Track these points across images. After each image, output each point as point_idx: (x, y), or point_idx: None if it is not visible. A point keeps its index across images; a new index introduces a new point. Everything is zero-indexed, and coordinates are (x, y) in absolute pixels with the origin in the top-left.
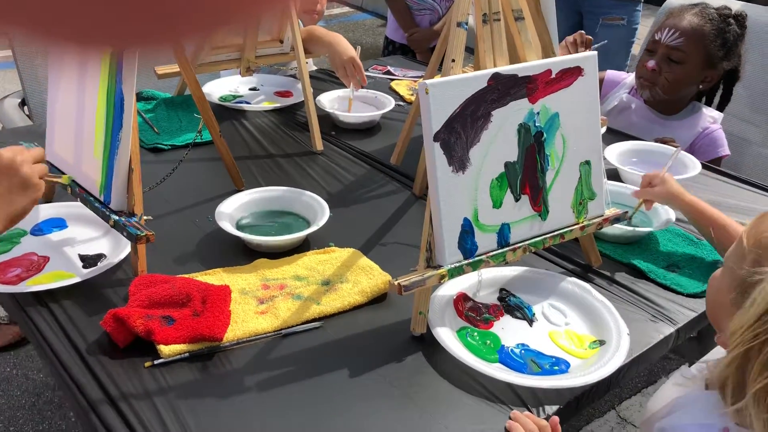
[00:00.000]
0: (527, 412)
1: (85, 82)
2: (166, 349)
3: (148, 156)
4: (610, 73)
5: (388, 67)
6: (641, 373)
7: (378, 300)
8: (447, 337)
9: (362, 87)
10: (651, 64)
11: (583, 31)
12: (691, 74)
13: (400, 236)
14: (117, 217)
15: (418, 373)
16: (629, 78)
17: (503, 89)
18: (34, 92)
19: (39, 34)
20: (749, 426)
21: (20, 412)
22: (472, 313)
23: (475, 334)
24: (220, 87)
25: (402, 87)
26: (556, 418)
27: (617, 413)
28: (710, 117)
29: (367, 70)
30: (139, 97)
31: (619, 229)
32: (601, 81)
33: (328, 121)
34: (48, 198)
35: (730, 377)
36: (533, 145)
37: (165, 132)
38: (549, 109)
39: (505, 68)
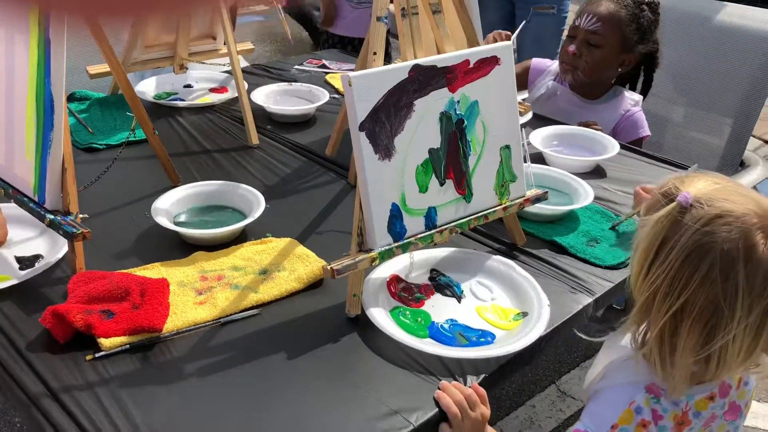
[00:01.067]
0: (455, 382)
1: (13, 85)
2: (107, 342)
3: (84, 156)
4: (536, 61)
5: (323, 61)
6: (571, 340)
7: (314, 286)
8: (380, 316)
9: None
10: (572, 48)
11: (501, 31)
12: (609, 57)
13: (335, 224)
14: (52, 216)
15: (354, 352)
16: (554, 65)
17: (424, 80)
18: None
19: None
20: (651, 363)
21: None
22: (405, 293)
23: (407, 312)
24: (154, 85)
25: (337, 80)
26: (475, 383)
27: (557, 387)
28: (631, 100)
29: (301, 64)
30: (72, 98)
31: (542, 208)
32: (528, 69)
33: (263, 115)
34: None
35: (636, 324)
36: (455, 131)
37: (99, 132)
38: (468, 97)
39: (425, 59)
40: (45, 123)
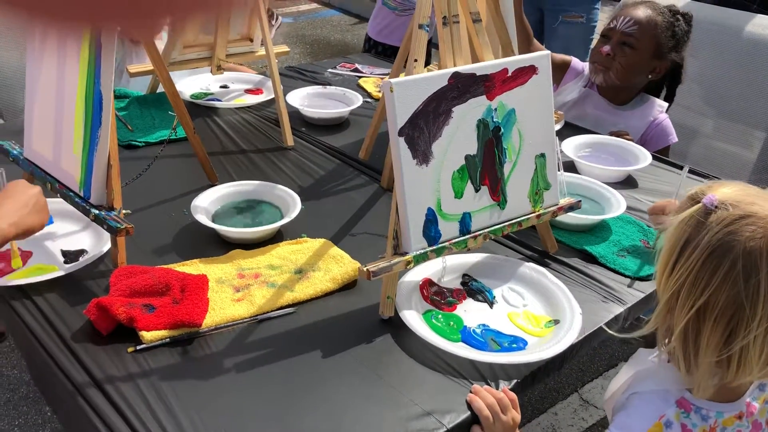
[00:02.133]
0: (487, 386)
1: (63, 81)
2: (148, 335)
3: (123, 153)
4: (575, 62)
5: (356, 65)
6: (595, 350)
7: (348, 287)
8: (413, 319)
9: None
10: (606, 48)
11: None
12: (642, 62)
13: (368, 227)
14: (97, 211)
15: (386, 353)
16: (587, 70)
17: (463, 87)
18: (2, 91)
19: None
20: (675, 362)
21: None
22: (437, 297)
23: (440, 316)
24: (192, 85)
25: (369, 84)
26: (505, 387)
27: (580, 396)
28: (659, 106)
29: (335, 67)
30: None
31: (574, 217)
32: (567, 65)
33: (298, 117)
34: None
35: (661, 324)
36: (491, 139)
37: (138, 129)
38: (506, 105)
39: (465, 67)
40: (93, 120)
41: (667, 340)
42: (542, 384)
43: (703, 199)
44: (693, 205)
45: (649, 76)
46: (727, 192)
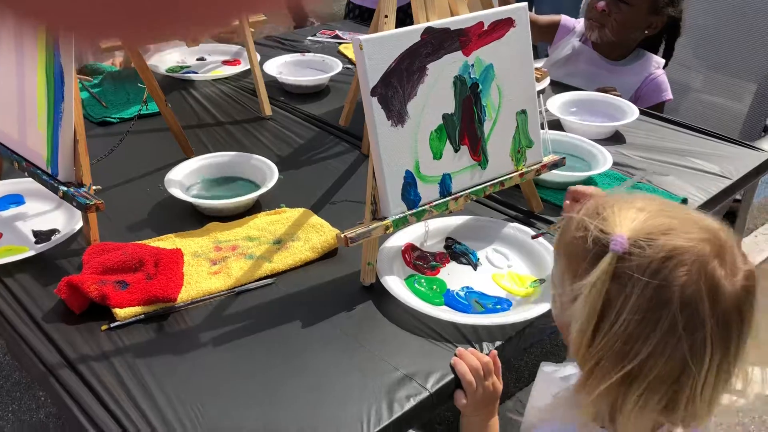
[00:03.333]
0: (471, 349)
1: (23, 55)
2: (122, 312)
3: (97, 130)
4: (565, 19)
5: (337, 32)
6: None
7: (329, 256)
8: (395, 284)
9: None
10: (601, 4)
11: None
12: (638, 17)
13: (349, 194)
14: (66, 188)
15: (368, 320)
16: (579, 25)
17: (437, 43)
18: None
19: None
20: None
21: None
22: (420, 262)
23: (422, 280)
24: (167, 59)
25: (350, 50)
26: (494, 351)
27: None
28: (655, 63)
29: (315, 35)
30: (83, 71)
31: (559, 174)
32: (556, 25)
33: (276, 86)
34: None
35: (586, 391)
36: (469, 96)
37: (113, 105)
38: (483, 60)
39: (438, 22)
40: (56, 94)
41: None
42: (530, 348)
43: (611, 245)
44: (597, 253)
45: (646, 32)
46: (631, 224)
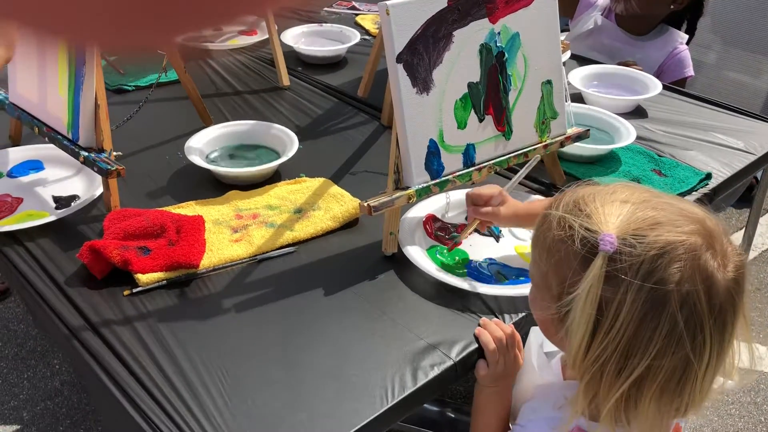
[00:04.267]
0: (496, 320)
1: None
2: (144, 278)
3: (114, 98)
4: None
5: (353, 2)
6: None
7: (350, 225)
8: (417, 254)
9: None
10: None
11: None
12: None
13: (369, 165)
14: (86, 153)
15: (390, 289)
16: (600, 0)
17: (464, 9)
18: None
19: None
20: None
21: (4, 362)
22: (441, 233)
23: (444, 251)
24: None
25: (367, 21)
26: (515, 331)
27: None
28: (679, 38)
29: (331, 6)
30: None
31: (582, 147)
32: None
33: (294, 57)
34: (16, 141)
35: (586, 401)
36: (495, 65)
37: (129, 73)
38: (510, 29)
39: None
40: (77, 58)
41: (588, 410)
42: None
43: (600, 245)
44: (586, 254)
45: (671, 6)
46: (618, 220)
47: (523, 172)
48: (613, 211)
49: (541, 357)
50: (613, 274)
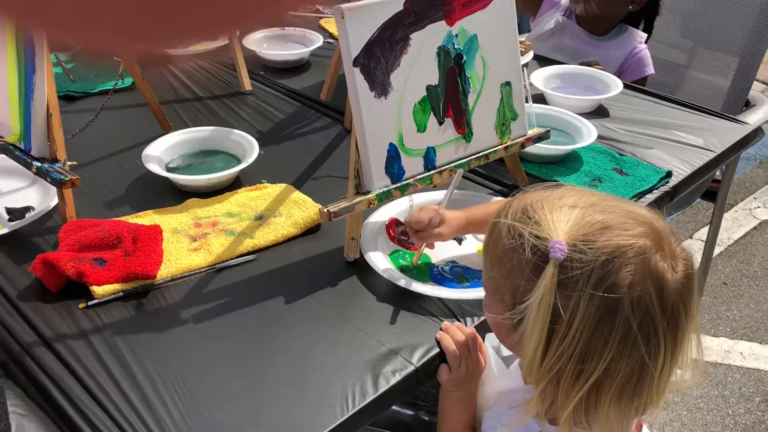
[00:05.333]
0: (457, 323)
1: None
2: (100, 290)
3: (67, 106)
4: None
5: (317, 6)
6: None
7: (311, 231)
8: (379, 260)
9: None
10: None
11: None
12: None
13: (332, 170)
14: (39, 164)
15: (352, 296)
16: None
17: (420, 12)
18: None
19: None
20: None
21: None
22: (404, 237)
23: (407, 255)
24: None
25: (331, 24)
26: (476, 334)
27: None
28: (638, 37)
29: (295, 9)
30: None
31: (543, 148)
32: None
33: (256, 61)
34: None
35: (543, 405)
36: (453, 67)
37: (81, 79)
38: (467, 31)
39: None
40: (27, 65)
41: (544, 413)
42: None
43: (550, 253)
44: (537, 262)
45: (630, 7)
46: (566, 226)
47: (451, 190)
48: (561, 217)
49: (499, 363)
50: (565, 281)
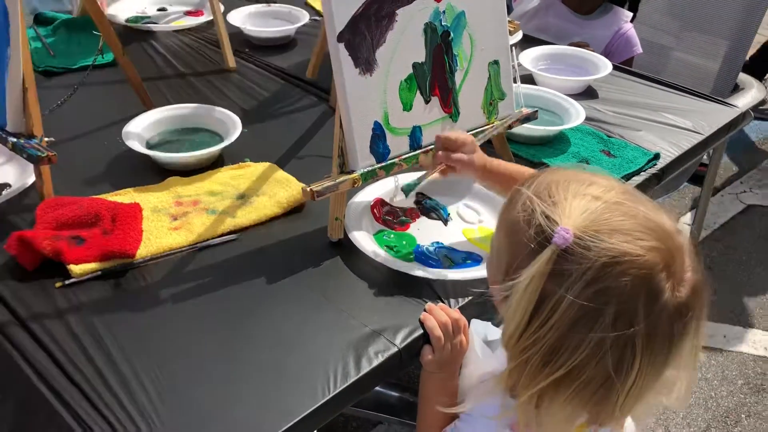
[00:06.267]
0: (441, 305)
1: None
2: (77, 269)
3: (45, 81)
4: None
5: None
6: None
7: (295, 211)
8: (363, 240)
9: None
10: None
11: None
12: None
13: (317, 149)
14: (15, 140)
15: (336, 276)
16: None
17: None
18: None
19: None
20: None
21: None
22: (389, 217)
23: (392, 236)
24: (126, 8)
25: (317, 1)
26: (462, 316)
27: None
28: (624, 16)
29: None
30: (39, 19)
31: (531, 128)
32: None
33: (241, 38)
34: None
35: (510, 382)
36: (440, 45)
37: (61, 55)
38: (455, 7)
39: None
40: (0, 38)
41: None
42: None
43: (553, 237)
44: (540, 243)
45: None
46: (580, 215)
47: (424, 177)
48: (579, 205)
49: (484, 349)
50: (559, 271)
